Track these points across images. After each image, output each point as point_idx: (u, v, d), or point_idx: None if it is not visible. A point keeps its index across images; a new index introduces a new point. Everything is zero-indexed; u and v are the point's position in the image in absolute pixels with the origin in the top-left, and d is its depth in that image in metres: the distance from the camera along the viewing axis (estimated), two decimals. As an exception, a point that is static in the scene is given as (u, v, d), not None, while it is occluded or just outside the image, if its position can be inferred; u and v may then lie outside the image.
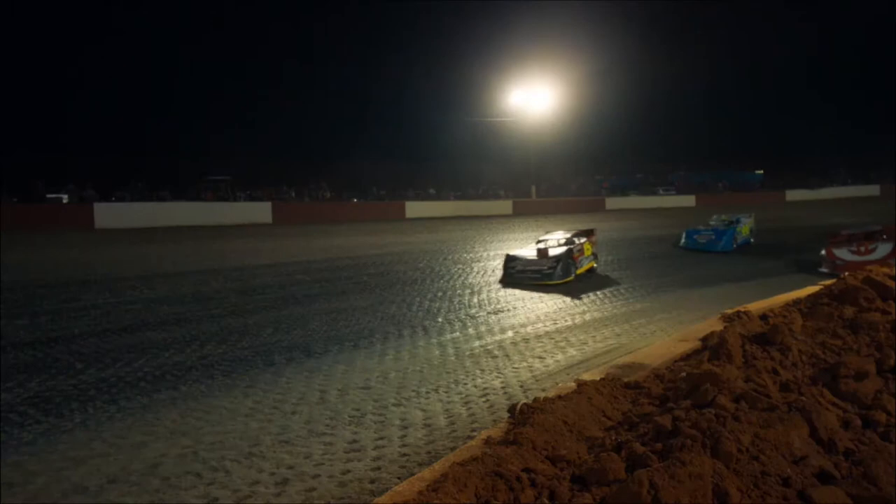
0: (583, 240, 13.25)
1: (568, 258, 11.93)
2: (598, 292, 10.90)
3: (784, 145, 55.97)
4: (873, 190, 45.57)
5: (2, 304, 9.11)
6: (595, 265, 13.47)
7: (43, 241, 18.45)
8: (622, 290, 11.10)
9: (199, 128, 44.82)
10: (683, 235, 17.84)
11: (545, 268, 11.70)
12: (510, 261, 12.31)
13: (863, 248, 12.24)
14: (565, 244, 12.82)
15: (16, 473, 3.99)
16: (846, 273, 10.09)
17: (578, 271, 12.30)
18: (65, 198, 29.27)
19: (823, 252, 12.78)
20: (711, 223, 18.21)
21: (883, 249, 11.99)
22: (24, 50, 39.83)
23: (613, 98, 49.09)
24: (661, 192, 47.26)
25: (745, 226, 17.97)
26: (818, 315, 4.99)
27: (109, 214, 23.95)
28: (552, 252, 12.17)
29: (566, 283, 11.59)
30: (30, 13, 40.03)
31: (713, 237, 16.77)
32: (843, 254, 12.35)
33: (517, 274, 11.92)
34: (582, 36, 48.44)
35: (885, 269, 6.26)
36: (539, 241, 13.65)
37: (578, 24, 49.82)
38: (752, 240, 18.25)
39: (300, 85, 52.86)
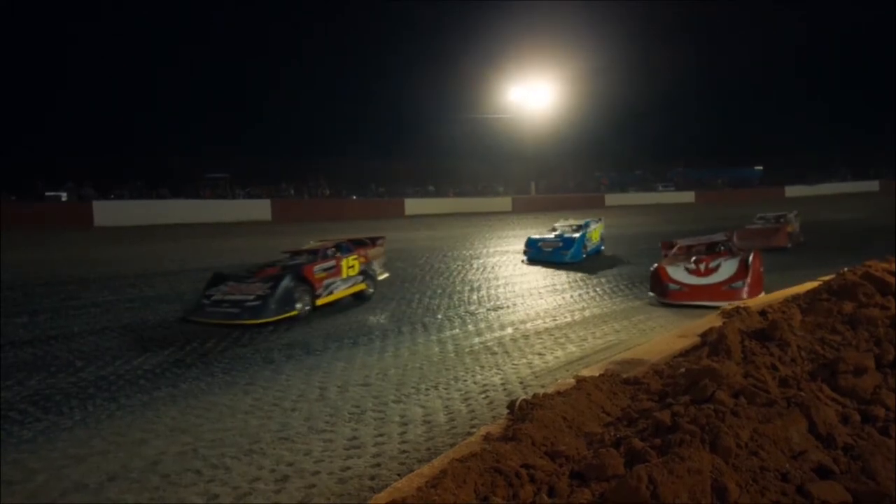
0: (347, 255, 9.51)
1: (293, 283, 8.25)
2: (598, 288, 10.90)
3: (783, 141, 55.92)
4: (872, 186, 45.59)
5: (1, 303, 9.10)
6: (368, 288, 9.87)
7: (42, 239, 18.43)
8: (622, 287, 11.10)
9: (198, 126, 44.80)
10: (525, 244, 15.17)
11: (250, 298, 7.92)
12: (214, 282, 8.51)
13: (703, 267, 9.53)
14: (301, 261, 9.11)
15: (16, 471, 3.99)
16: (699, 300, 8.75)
17: (322, 300, 8.81)
18: (63, 196, 29.21)
19: (654, 268, 9.84)
20: (557, 228, 15.78)
21: (727, 268, 9.38)
22: (22, 47, 39.76)
23: (612, 94, 49.00)
24: (660, 188, 47.27)
25: (595, 230, 15.73)
26: (817, 311, 4.99)
27: (108, 212, 23.93)
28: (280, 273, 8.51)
29: (283, 319, 8.04)
30: (28, 9, 39.97)
31: (560, 245, 14.37)
32: (678, 273, 9.48)
33: (210, 307, 8.04)
34: (581, 32, 48.37)
35: (885, 265, 6.20)
36: (294, 254, 9.72)
37: (577, 20, 49.75)
38: (602, 247, 16.14)
39: (299, 82, 52.78)
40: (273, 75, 51.47)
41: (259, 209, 28.27)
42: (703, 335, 4.80)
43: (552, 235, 15.11)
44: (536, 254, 14.75)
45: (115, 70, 42.52)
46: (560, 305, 9.50)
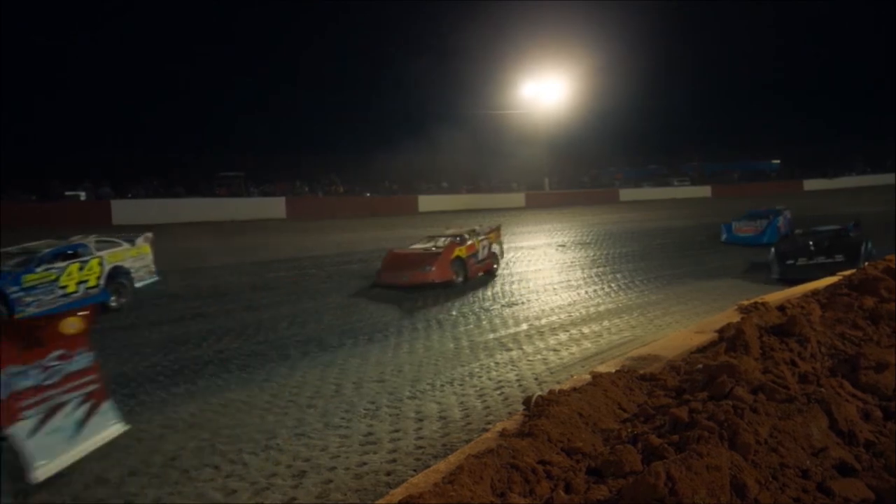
0: None
1: None
2: (613, 284, 10.83)
3: (801, 134, 55.12)
4: (890, 178, 44.68)
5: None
6: None
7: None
8: (637, 282, 11.02)
9: (212, 124, 45.25)
10: None
11: None
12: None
13: None
14: None
15: (39, 466, 4.06)
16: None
17: None
18: (82, 195, 29.65)
19: None
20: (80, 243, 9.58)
21: None
22: (37, 49, 40.36)
23: (627, 89, 48.61)
24: (675, 182, 46.75)
25: (129, 252, 9.75)
26: (837, 306, 4.91)
27: (126, 211, 24.20)
28: None
29: None
30: (40, 9, 40.54)
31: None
32: None
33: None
34: (595, 27, 48.02)
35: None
36: None
37: (591, 15, 49.38)
38: (155, 284, 9.88)
39: (313, 80, 53.07)
40: (286, 73, 51.78)
41: (274, 207, 28.41)
42: (721, 331, 4.74)
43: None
44: None
45: (129, 70, 43.01)
46: (575, 301, 9.46)
